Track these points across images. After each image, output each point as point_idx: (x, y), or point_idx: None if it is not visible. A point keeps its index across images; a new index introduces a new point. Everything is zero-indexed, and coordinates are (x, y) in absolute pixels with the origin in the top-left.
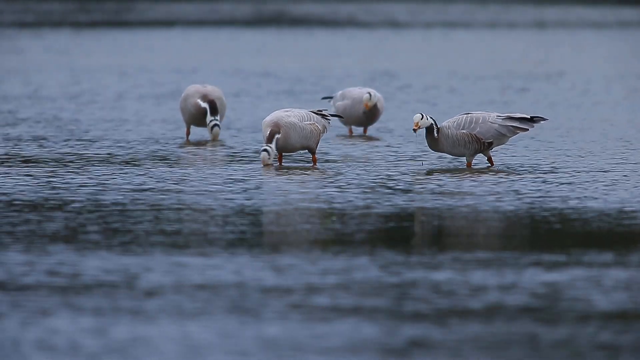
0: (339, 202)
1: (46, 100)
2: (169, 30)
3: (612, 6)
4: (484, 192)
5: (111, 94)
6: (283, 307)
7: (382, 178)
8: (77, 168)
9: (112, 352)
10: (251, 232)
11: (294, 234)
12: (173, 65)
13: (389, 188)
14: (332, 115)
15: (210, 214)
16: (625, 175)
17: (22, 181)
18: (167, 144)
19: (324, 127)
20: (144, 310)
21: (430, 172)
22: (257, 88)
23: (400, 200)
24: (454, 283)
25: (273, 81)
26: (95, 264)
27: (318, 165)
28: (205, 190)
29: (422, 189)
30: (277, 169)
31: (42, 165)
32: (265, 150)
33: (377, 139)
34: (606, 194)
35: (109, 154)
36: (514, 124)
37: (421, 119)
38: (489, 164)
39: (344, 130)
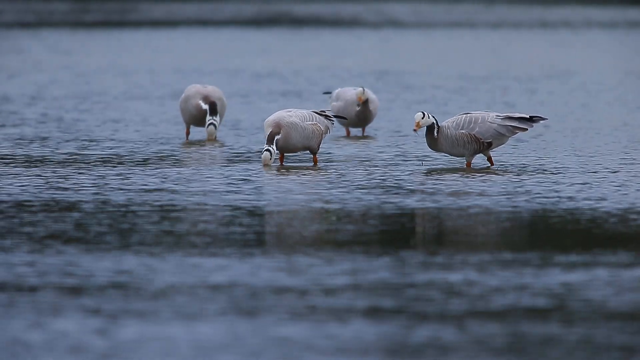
0: (345, 203)
1: (48, 100)
2: (172, 30)
3: (619, 6)
4: (495, 192)
5: (114, 94)
6: (294, 307)
7: (383, 178)
8: (82, 168)
9: (122, 352)
10: (259, 233)
11: (301, 235)
12: (176, 66)
13: (392, 188)
14: (335, 116)
15: (215, 214)
16: (635, 176)
17: (26, 182)
18: (171, 144)
19: (327, 128)
20: (154, 311)
21: (435, 172)
22: (261, 88)
23: (407, 201)
24: (467, 284)
25: (277, 81)
26: (105, 265)
27: (319, 165)
28: (209, 191)
29: (429, 190)
30: (278, 169)
31: (46, 165)
32: (267, 150)
33: (377, 139)
34: (617, 194)
35: (112, 154)
36: (513, 124)
37: (422, 118)
38: (489, 164)
39: (342, 131)
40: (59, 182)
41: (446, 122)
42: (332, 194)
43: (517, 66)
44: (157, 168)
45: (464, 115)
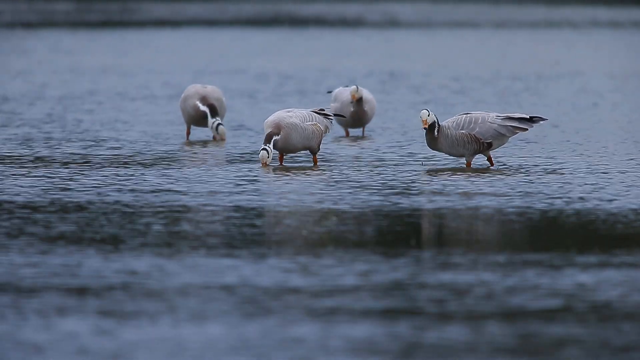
0: (349, 204)
1: (51, 100)
2: (175, 30)
3: (624, 6)
4: (505, 193)
5: (117, 95)
6: (305, 308)
7: (389, 179)
8: (86, 169)
9: (131, 354)
10: (263, 233)
11: (309, 235)
12: (179, 66)
13: (400, 188)
14: (335, 115)
15: (222, 215)
16: None
17: (32, 182)
18: (174, 144)
19: (326, 127)
20: (164, 311)
21: (443, 172)
22: (264, 88)
23: (413, 201)
24: (480, 284)
25: (280, 81)
26: (115, 266)
27: (319, 165)
28: (215, 191)
29: (438, 190)
30: (278, 168)
31: (50, 166)
32: (264, 149)
33: (381, 139)
34: (628, 195)
35: (116, 155)
36: (513, 124)
37: (428, 116)
38: (489, 164)
39: (342, 132)
40: (64, 183)
41: (446, 122)
42: (334, 195)
43: (522, 66)
44: (161, 168)
45: (464, 115)
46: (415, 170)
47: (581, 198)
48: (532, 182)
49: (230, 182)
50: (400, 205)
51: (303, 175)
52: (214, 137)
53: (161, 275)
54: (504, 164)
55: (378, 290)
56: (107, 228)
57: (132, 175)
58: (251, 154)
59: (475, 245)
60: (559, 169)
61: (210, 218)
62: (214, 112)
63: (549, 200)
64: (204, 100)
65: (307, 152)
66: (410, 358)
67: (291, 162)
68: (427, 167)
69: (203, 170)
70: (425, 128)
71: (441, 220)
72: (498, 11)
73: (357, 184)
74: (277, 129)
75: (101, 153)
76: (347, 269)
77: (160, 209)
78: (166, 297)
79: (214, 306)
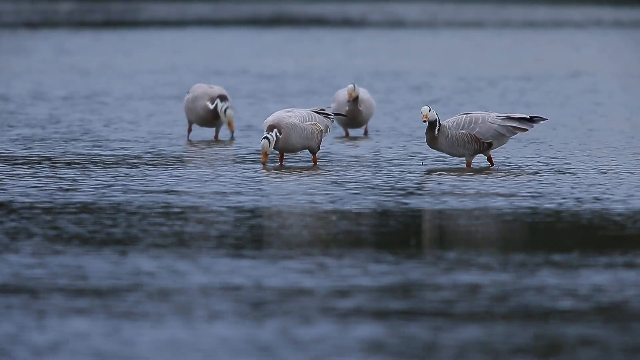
0: (355, 204)
1: (55, 101)
2: (180, 30)
3: (632, 6)
4: (515, 193)
5: (121, 95)
6: (318, 308)
7: (387, 178)
8: (90, 169)
9: (141, 355)
10: (271, 234)
11: (311, 236)
12: (184, 66)
13: (404, 189)
14: (335, 114)
15: (229, 215)
16: None
17: (37, 183)
18: (178, 145)
19: (327, 127)
20: (176, 312)
21: (453, 172)
22: (269, 88)
23: (421, 201)
24: (496, 285)
25: (284, 81)
26: (125, 267)
27: (319, 165)
28: (221, 192)
29: (447, 190)
30: (279, 168)
31: (54, 166)
32: (266, 138)
33: (385, 140)
34: (637, 195)
35: (120, 155)
36: (513, 124)
37: (429, 111)
38: (490, 164)
39: (343, 132)
40: (69, 184)
41: (447, 122)
42: (338, 195)
43: (528, 66)
44: (167, 169)
45: (464, 115)
46: (418, 171)
47: (596, 198)
48: (544, 182)
49: (236, 183)
50: (408, 205)
51: (306, 176)
52: (215, 137)
53: (172, 276)
54: (514, 164)
55: (391, 291)
56: (114, 229)
57: (137, 175)
58: (256, 153)
59: (488, 246)
60: (569, 169)
61: (217, 219)
62: (224, 98)
63: (560, 201)
64: (212, 100)
65: (308, 152)
66: (427, 359)
67: (293, 162)
68: (427, 167)
69: (208, 170)
70: (425, 121)
71: (451, 221)
72: (502, 11)
73: (359, 185)
74: (278, 128)
75: (106, 153)
76: (360, 269)
77: (166, 210)
78: (178, 298)
79: (226, 307)
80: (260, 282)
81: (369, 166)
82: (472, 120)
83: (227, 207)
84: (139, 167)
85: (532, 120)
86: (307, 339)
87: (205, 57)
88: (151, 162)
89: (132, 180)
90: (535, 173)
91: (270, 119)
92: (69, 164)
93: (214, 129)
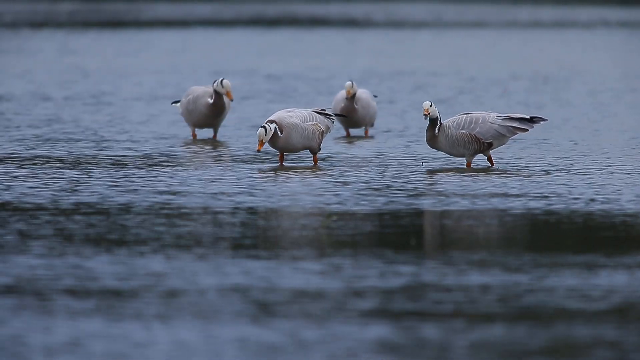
0: (361, 205)
1: (58, 101)
2: (182, 31)
3: (636, 6)
4: (525, 193)
5: (125, 95)
6: (327, 310)
7: (389, 179)
8: (94, 170)
9: (153, 355)
10: (276, 235)
11: (319, 237)
12: (187, 66)
13: (404, 189)
14: (336, 115)
15: (238, 216)
16: None
17: (41, 184)
18: (184, 145)
19: (327, 127)
20: (190, 313)
21: (444, 172)
22: (272, 88)
23: (426, 202)
24: (510, 286)
25: (288, 82)
26: (135, 267)
27: (319, 165)
28: (228, 192)
29: (450, 191)
30: (282, 169)
31: (57, 166)
32: (263, 127)
33: (388, 140)
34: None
35: (124, 156)
36: (513, 125)
37: (430, 106)
38: (490, 165)
39: (344, 132)
40: (73, 185)
41: (447, 122)
42: (344, 196)
43: (533, 67)
44: (171, 169)
45: (465, 115)
46: (419, 171)
47: (607, 199)
48: (551, 183)
49: (241, 183)
50: (414, 206)
51: (309, 177)
52: (213, 136)
53: (182, 277)
54: (521, 165)
55: (402, 292)
56: (122, 230)
57: (142, 176)
58: (252, 154)
59: (498, 247)
60: (578, 169)
61: (222, 219)
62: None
63: (571, 201)
64: (212, 96)
65: (308, 153)
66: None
67: (294, 163)
68: (427, 167)
69: (213, 171)
70: (425, 116)
71: (458, 221)
72: (507, 11)
73: (363, 185)
74: (279, 127)
75: (110, 154)
76: (373, 270)
77: (171, 211)
78: (187, 299)
79: (236, 308)
80: (272, 283)
81: (372, 167)
82: (472, 120)
83: (234, 207)
84: (143, 168)
85: (532, 120)
86: (318, 340)
87: (208, 58)
88: (155, 163)
89: (136, 181)
90: (545, 173)
91: (271, 118)
92: (72, 164)
93: (212, 130)
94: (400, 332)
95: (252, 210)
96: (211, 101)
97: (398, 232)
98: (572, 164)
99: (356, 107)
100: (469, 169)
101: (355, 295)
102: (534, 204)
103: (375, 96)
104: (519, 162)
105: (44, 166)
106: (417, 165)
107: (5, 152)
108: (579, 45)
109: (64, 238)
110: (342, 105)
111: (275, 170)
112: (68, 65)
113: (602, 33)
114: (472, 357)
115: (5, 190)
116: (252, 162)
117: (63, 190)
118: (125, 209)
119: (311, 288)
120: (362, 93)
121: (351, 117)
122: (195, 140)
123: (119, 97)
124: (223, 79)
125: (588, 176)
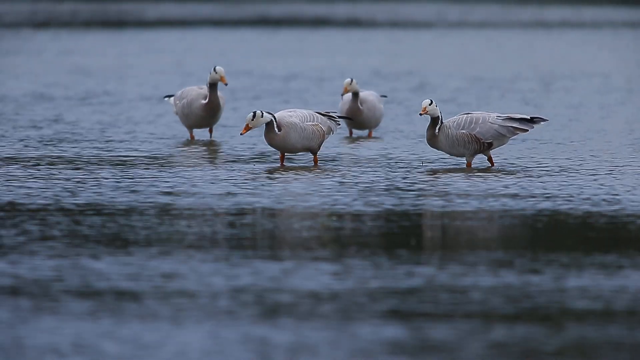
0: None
1: (61, 101)
2: (184, 31)
3: None
4: (534, 194)
5: (129, 95)
6: (339, 310)
7: (392, 179)
8: (97, 170)
9: (168, 357)
10: (283, 236)
11: (327, 238)
12: (189, 66)
13: (408, 190)
14: (340, 117)
15: (248, 216)
16: None
17: (41, 184)
18: (185, 145)
19: (330, 129)
20: (201, 315)
21: (443, 173)
22: (275, 89)
23: (431, 202)
24: (523, 286)
25: (291, 82)
26: (152, 269)
27: (320, 165)
28: (234, 193)
29: (455, 191)
30: (284, 169)
31: (59, 167)
32: (254, 112)
33: (392, 140)
34: None
35: (128, 156)
36: (513, 125)
37: (429, 105)
38: (490, 165)
39: (347, 133)
40: (77, 185)
41: (447, 122)
42: (348, 197)
43: (539, 67)
44: (174, 169)
45: (465, 115)
46: (419, 171)
47: (617, 199)
48: (563, 183)
49: (245, 184)
50: (420, 206)
51: (313, 177)
52: (210, 135)
53: (190, 278)
54: (527, 165)
55: (415, 293)
56: (127, 230)
57: (146, 177)
58: (261, 154)
59: (513, 247)
60: (586, 169)
61: (229, 220)
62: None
63: (581, 201)
64: (205, 96)
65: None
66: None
67: (294, 163)
68: (427, 167)
69: (215, 171)
70: (421, 114)
71: (473, 222)
72: (512, 11)
73: (365, 185)
74: (278, 125)
75: (112, 155)
76: (385, 271)
77: (178, 211)
78: (195, 300)
79: (249, 309)
80: (282, 284)
81: (376, 167)
82: (472, 120)
83: (239, 208)
84: (146, 168)
85: (532, 120)
86: (328, 341)
87: (213, 58)
88: (159, 163)
89: (140, 182)
90: (558, 172)
91: None
92: (76, 164)
93: (208, 129)
94: (413, 333)
95: (258, 211)
96: (205, 101)
97: (407, 233)
98: (581, 164)
99: (361, 108)
100: (468, 169)
101: (366, 296)
102: (545, 204)
103: (384, 96)
104: (527, 162)
105: (46, 167)
106: (424, 165)
107: (8, 152)
108: (584, 46)
109: (69, 239)
110: (348, 106)
111: (275, 170)
112: (70, 66)
113: (608, 33)
114: (485, 359)
115: (10, 191)
116: (253, 163)
117: (65, 191)
118: (131, 209)
119: (321, 289)
120: (369, 95)
121: (356, 118)
122: (193, 141)
123: (122, 98)
124: (216, 66)
125: (598, 176)
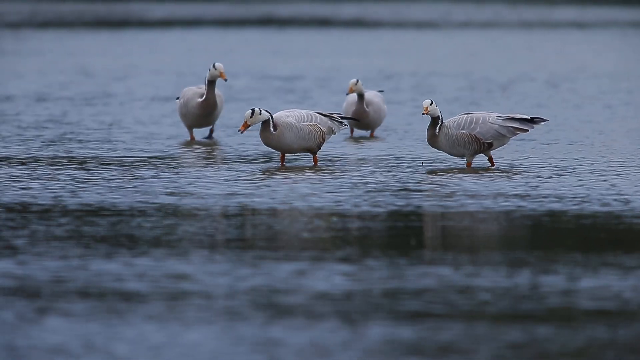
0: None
1: (62, 101)
2: (185, 31)
3: None
4: (541, 195)
5: (127, 95)
6: (352, 312)
7: (394, 180)
8: (100, 170)
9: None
10: (291, 236)
11: (333, 238)
12: (190, 66)
13: (410, 190)
14: (344, 118)
15: (235, 216)
16: None
17: (44, 185)
18: (187, 146)
19: (330, 129)
20: (210, 315)
21: (445, 172)
22: (279, 89)
23: (436, 203)
24: (533, 287)
25: (295, 82)
26: (159, 270)
27: (319, 165)
28: (231, 193)
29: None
30: (286, 169)
31: (59, 167)
32: (252, 109)
33: (388, 141)
34: None
35: (129, 156)
36: (513, 125)
37: (430, 105)
38: (490, 165)
39: (348, 134)
40: (79, 186)
41: (447, 122)
42: (351, 197)
43: (544, 68)
44: (177, 170)
45: (465, 115)
46: (421, 172)
47: (627, 200)
48: (570, 183)
49: (248, 184)
50: (424, 207)
51: (306, 176)
52: (209, 134)
53: (199, 279)
54: (530, 166)
55: (425, 293)
56: (133, 231)
57: (149, 177)
58: (263, 155)
59: (522, 248)
60: (590, 170)
61: (233, 220)
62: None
63: (588, 201)
64: (202, 95)
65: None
66: None
67: (295, 163)
68: (427, 168)
69: (220, 171)
70: (424, 114)
71: (480, 223)
72: (518, 11)
73: (368, 185)
74: (274, 124)
75: (113, 155)
76: (397, 272)
77: (182, 211)
78: (200, 302)
79: (259, 310)
80: (292, 285)
81: (381, 167)
82: (472, 120)
83: (243, 208)
84: (150, 169)
85: (532, 121)
86: (341, 342)
87: (217, 58)
88: (162, 163)
89: (143, 182)
90: (569, 172)
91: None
92: (79, 165)
93: (208, 128)
94: (426, 333)
95: (263, 212)
96: (201, 99)
97: (414, 233)
98: (589, 165)
99: (367, 110)
100: (469, 168)
101: (379, 297)
102: (554, 205)
103: (381, 91)
104: (535, 163)
105: (50, 167)
106: (425, 166)
107: (9, 153)
108: (591, 46)
109: (75, 240)
110: (354, 108)
111: (274, 170)
112: (72, 66)
113: (615, 33)
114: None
115: (14, 191)
116: (255, 163)
117: (68, 191)
118: (135, 210)
119: (332, 289)
120: (374, 97)
121: (362, 120)
122: (193, 141)
123: (125, 98)
124: (215, 62)
125: (606, 177)
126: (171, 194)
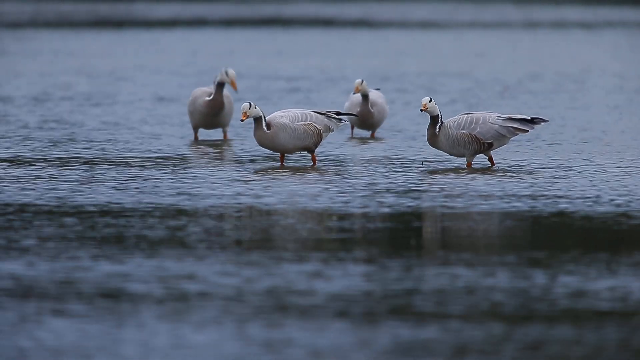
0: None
1: (63, 102)
2: (186, 31)
3: None
4: (548, 195)
5: (128, 95)
6: (365, 312)
7: (396, 180)
8: (103, 170)
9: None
10: (300, 237)
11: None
12: (192, 66)
13: (412, 190)
14: (343, 114)
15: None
16: None
17: (46, 185)
18: (190, 146)
19: (327, 127)
20: (217, 316)
21: (445, 172)
22: (281, 89)
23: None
24: (541, 287)
25: (301, 82)
26: (167, 270)
27: (323, 165)
28: (238, 193)
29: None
30: (279, 169)
31: (61, 168)
32: (249, 102)
33: (388, 140)
34: None
35: (130, 157)
36: (514, 125)
37: (429, 102)
38: (490, 165)
39: (350, 133)
40: (82, 186)
41: (448, 122)
42: (354, 197)
43: (541, 67)
44: (180, 170)
45: (466, 115)
46: (422, 172)
47: (630, 200)
48: (574, 184)
49: (252, 184)
50: (433, 207)
51: (304, 175)
52: (224, 136)
53: (210, 280)
54: (530, 165)
55: (439, 294)
56: (137, 231)
57: (153, 177)
58: (266, 155)
59: (533, 248)
60: (592, 170)
61: (238, 221)
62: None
63: (593, 201)
64: (210, 94)
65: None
66: None
67: (295, 163)
68: (427, 168)
69: (224, 172)
70: (422, 110)
71: (485, 223)
72: (524, 11)
73: (369, 186)
74: (268, 124)
75: (115, 155)
76: (408, 273)
77: (187, 212)
78: (204, 303)
79: (268, 310)
80: (301, 286)
81: (383, 167)
82: (472, 120)
83: (248, 208)
84: (152, 169)
85: (532, 121)
86: (352, 342)
87: (222, 58)
88: (166, 164)
89: (146, 183)
90: (577, 173)
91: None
92: (81, 164)
93: (215, 130)
94: (445, 334)
95: (268, 212)
96: (208, 98)
97: (422, 233)
98: (586, 165)
99: (372, 111)
100: (469, 168)
101: (394, 298)
102: (565, 205)
103: (378, 89)
104: (543, 163)
105: (52, 168)
106: (422, 166)
107: (10, 153)
108: (598, 46)
109: (81, 240)
110: (359, 108)
111: (276, 170)
112: (74, 66)
113: (621, 33)
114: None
115: (17, 192)
116: (257, 163)
117: (71, 191)
118: (139, 210)
119: (341, 290)
120: (378, 97)
121: (367, 120)
122: (197, 141)
123: (128, 98)
124: (229, 68)
125: (616, 177)
126: (177, 194)
